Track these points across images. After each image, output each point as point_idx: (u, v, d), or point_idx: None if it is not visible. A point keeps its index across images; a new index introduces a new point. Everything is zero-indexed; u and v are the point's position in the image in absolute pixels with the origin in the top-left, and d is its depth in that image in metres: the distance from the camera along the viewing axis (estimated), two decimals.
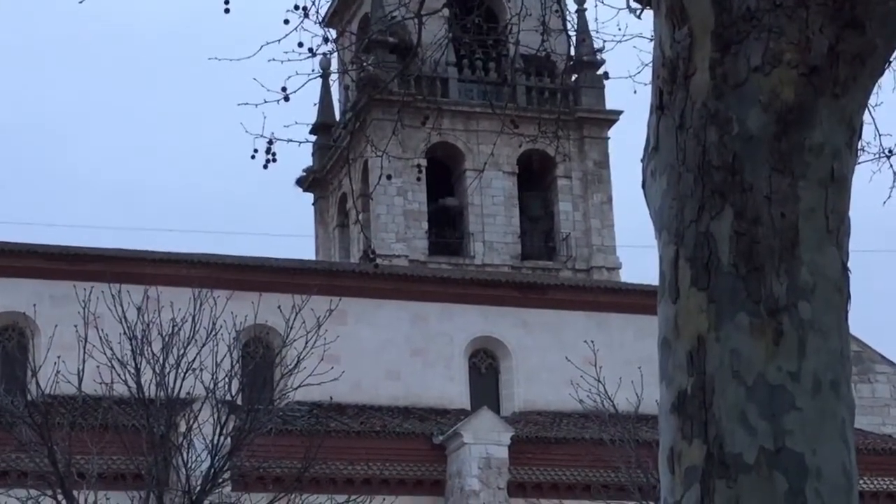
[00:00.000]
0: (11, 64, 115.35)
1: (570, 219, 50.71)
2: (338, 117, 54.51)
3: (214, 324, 27.66)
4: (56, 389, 26.38)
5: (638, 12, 8.48)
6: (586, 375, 30.36)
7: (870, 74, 4.45)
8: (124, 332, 26.98)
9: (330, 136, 53.46)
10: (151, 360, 26.89)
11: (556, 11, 10.84)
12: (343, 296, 35.66)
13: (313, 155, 54.51)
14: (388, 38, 44.95)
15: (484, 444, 36.17)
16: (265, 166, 10.19)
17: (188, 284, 29.34)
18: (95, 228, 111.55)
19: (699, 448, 4.18)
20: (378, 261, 34.64)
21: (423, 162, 43.83)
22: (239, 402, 28.12)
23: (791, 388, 4.18)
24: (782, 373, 4.19)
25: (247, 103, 10.52)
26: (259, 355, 32.93)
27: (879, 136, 10.41)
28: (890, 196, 10.90)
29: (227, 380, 27.54)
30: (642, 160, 4.65)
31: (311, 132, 52.11)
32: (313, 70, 10.01)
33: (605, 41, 10.92)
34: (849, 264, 4.42)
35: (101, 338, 26.51)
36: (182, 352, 26.95)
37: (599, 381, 29.62)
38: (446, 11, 10.25)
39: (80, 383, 25.76)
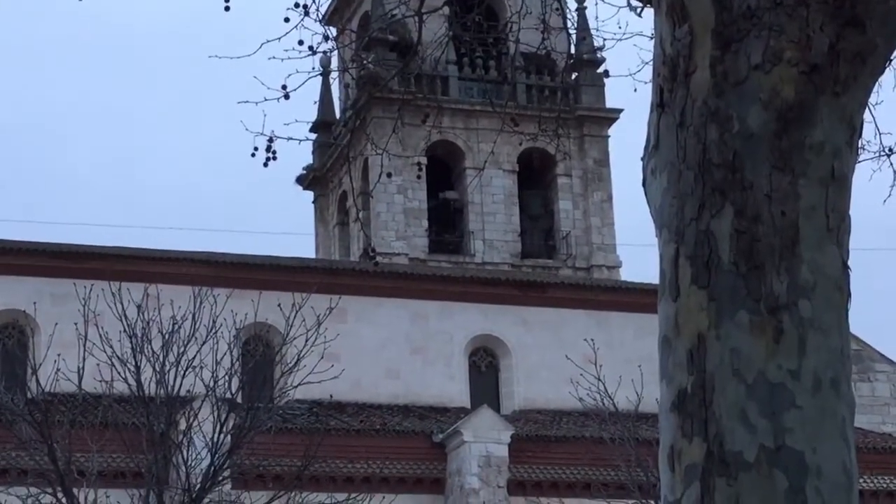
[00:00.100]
0: (11, 64, 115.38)
1: (570, 217, 50.71)
2: (338, 115, 54.50)
3: (214, 322, 27.67)
4: (56, 387, 26.39)
5: (638, 10, 8.49)
6: (586, 374, 30.37)
7: (870, 73, 4.45)
8: (124, 330, 27.00)
9: (330, 134, 53.46)
10: (151, 358, 26.90)
11: (557, 9, 10.85)
12: (343, 294, 35.68)
13: (313, 153, 54.51)
14: (388, 37, 44.94)
15: (484, 442, 36.18)
16: (265, 164, 10.20)
17: (188, 282, 29.38)
18: (95, 226, 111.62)
19: (699, 446, 4.18)
20: (378, 259, 34.64)
21: (424, 160, 43.80)
22: (239, 400, 28.15)
23: (791, 387, 4.18)
24: (782, 371, 4.19)
25: (247, 101, 10.53)
26: (259, 353, 32.97)
27: (880, 134, 10.42)
28: (890, 195, 10.91)
29: (227, 378, 27.56)
30: (643, 158, 4.65)
31: (312, 130, 52.09)
32: (313, 68, 10.01)
33: (605, 39, 10.92)
34: (849, 263, 4.42)
35: (101, 336, 26.53)
36: (182, 350, 26.97)
37: (599, 379, 29.63)
38: (446, 9, 10.24)
39: (80, 381, 25.77)
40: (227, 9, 10.05)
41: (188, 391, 27.05)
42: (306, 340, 28.04)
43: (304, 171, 55.14)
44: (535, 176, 50.63)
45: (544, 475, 36.79)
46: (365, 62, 37.03)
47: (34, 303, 35.03)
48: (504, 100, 36.15)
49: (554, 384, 39.89)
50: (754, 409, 4.15)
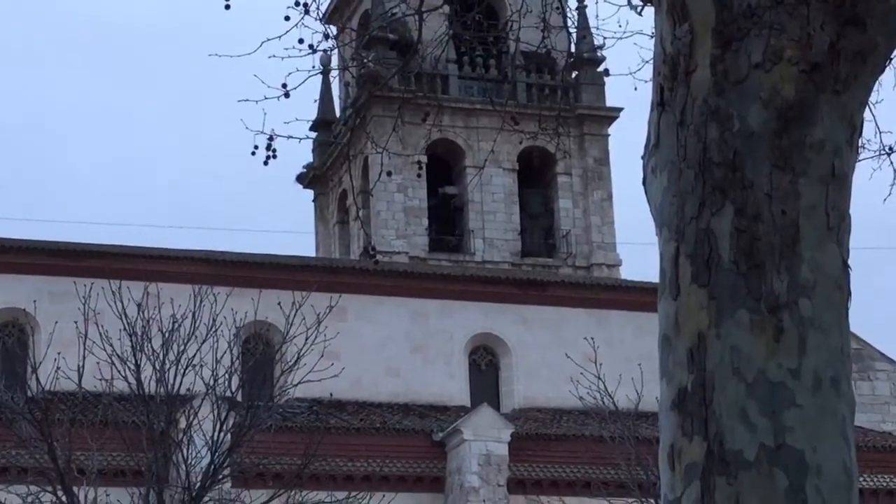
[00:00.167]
0: (11, 64, 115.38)
1: (570, 216, 50.72)
2: (338, 114, 54.50)
3: (214, 320, 27.69)
4: (56, 386, 26.39)
5: (639, 9, 8.50)
6: (586, 372, 30.38)
7: (871, 72, 4.45)
8: (124, 329, 27.01)
9: (330, 132, 53.47)
10: (151, 357, 26.91)
11: (557, 8, 10.85)
12: (343, 292, 35.69)
13: (313, 151, 54.52)
14: (388, 35, 44.95)
15: (484, 440, 36.19)
16: (265, 163, 10.21)
17: (188, 281, 29.40)
18: (95, 225, 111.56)
19: (699, 445, 4.18)
20: (378, 257, 34.65)
21: (424, 158, 43.79)
22: (239, 398, 28.15)
23: (791, 385, 4.18)
24: (783, 370, 4.19)
25: (247, 100, 10.54)
26: (259, 352, 32.99)
27: (880, 133, 10.42)
28: (890, 193, 10.91)
29: (227, 376, 27.58)
30: (643, 157, 4.65)
31: (312, 129, 52.09)
32: (314, 66, 10.01)
33: (605, 38, 10.92)
34: (849, 262, 4.42)
35: (101, 334, 26.54)
36: (182, 348, 26.98)
37: (599, 378, 29.64)
38: (447, 8, 10.24)
39: (80, 380, 25.78)
40: (227, 7, 10.06)
41: (188, 389, 27.05)
42: (306, 339, 28.05)
43: (305, 170, 55.15)
44: (535, 174, 50.63)
45: (544, 474, 36.80)
46: (365, 61, 37.00)
47: (34, 301, 35.04)
48: (504, 98, 36.16)
49: (554, 383, 39.90)
50: (754, 407, 4.15)
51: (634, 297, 42.03)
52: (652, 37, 4.77)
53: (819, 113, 4.34)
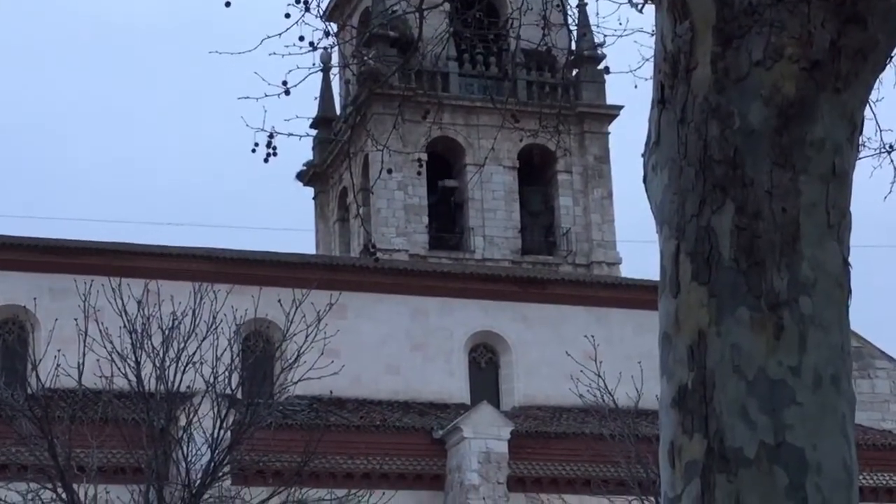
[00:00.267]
0: (11, 64, 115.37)
1: (570, 213, 50.72)
2: (338, 111, 54.52)
3: (215, 318, 27.68)
4: (56, 383, 26.40)
5: (639, 7, 8.50)
6: (586, 370, 30.39)
7: (871, 70, 4.45)
8: (124, 326, 27.01)
9: (330, 130, 53.48)
10: (151, 354, 26.91)
11: (557, 6, 10.85)
12: (343, 290, 35.70)
13: (314, 149, 54.52)
14: (388, 33, 44.94)
15: (484, 438, 36.20)
16: (266, 160, 10.20)
17: (188, 278, 29.41)
18: (95, 222, 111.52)
19: (699, 442, 4.18)
20: (378, 255, 34.63)
21: (424, 156, 43.79)
22: (239, 395, 28.15)
23: (792, 383, 4.18)
24: (783, 367, 4.19)
25: (247, 97, 10.53)
26: (259, 349, 32.99)
27: (880, 131, 10.43)
28: (891, 191, 10.91)
29: (227, 374, 27.57)
30: (643, 154, 4.65)
31: (312, 126, 52.04)
32: (314, 64, 10.01)
33: (605, 36, 10.93)
34: (849, 259, 4.42)
35: (101, 331, 26.53)
36: (182, 345, 26.98)
37: (599, 375, 29.65)
38: (447, 6, 10.25)
39: (80, 377, 25.77)
40: (227, 5, 10.06)
41: (188, 387, 27.05)
42: (306, 336, 28.05)
43: (305, 168, 55.15)
44: (535, 172, 50.64)
45: (544, 471, 36.80)
46: (365, 58, 37.02)
47: (34, 298, 35.03)
48: (504, 96, 36.21)
49: (554, 380, 39.91)
50: (755, 405, 4.15)
51: (634, 294, 42.03)
52: (652, 34, 4.77)
53: (819, 111, 4.34)
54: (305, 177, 55.38)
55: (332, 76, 51.72)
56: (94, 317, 26.68)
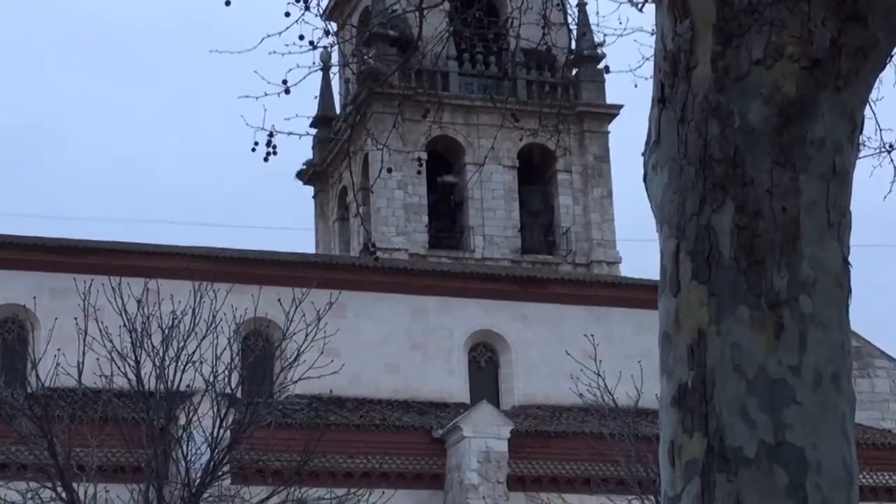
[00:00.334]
0: (11, 64, 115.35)
1: (570, 213, 50.72)
2: (338, 110, 54.52)
3: (214, 317, 27.67)
4: (56, 382, 26.39)
5: (640, 6, 8.50)
6: (586, 369, 30.38)
7: (871, 68, 4.45)
8: (124, 325, 27.00)
9: (330, 129, 53.49)
10: (151, 353, 26.90)
11: (557, 5, 10.85)
12: (343, 289, 35.71)
13: (313, 148, 54.53)
14: (388, 32, 44.94)
15: (483, 437, 36.19)
16: (266, 159, 10.20)
17: (188, 277, 29.39)
18: (95, 221, 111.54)
19: (699, 441, 4.18)
20: (378, 254, 34.60)
21: (424, 155, 43.78)
22: (239, 395, 28.14)
23: (792, 382, 4.18)
24: (783, 366, 4.19)
25: (247, 96, 10.54)
26: (259, 348, 32.98)
27: (880, 130, 10.43)
28: (891, 191, 10.91)
29: (226, 373, 27.56)
30: (643, 153, 4.65)
31: (312, 125, 52.05)
32: (314, 63, 10.01)
33: (605, 35, 10.94)
34: (849, 259, 4.42)
35: (100, 330, 26.52)
36: (182, 345, 26.97)
37: (599, 375, 29.64)
38: (447, 5, 10.25)
39: (79, 376, 25.76)
40: (227, 4, 10.06)
41: (188, 386, 27.05)
42: (306, 335, 28.04)
43: (305, 167, 55.15)
44: (535, 172, 50.64)
45: (544, 471, 36.80)
46: (365, 57, 36.99)
47: (34, 297, 35.02)
48: (504, 95, 36.18)
49: (553, 380, 39.91)
50: (755, 404, 4.15)
51: (634, 294, 42.03)
52: (652, 34, 4.77)
53: (820, 109, 4.34)
54: (305, 176, 55.38)
55: (331, 75, 51.77)
56: (94, 316, 26.67)
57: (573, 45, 14.18)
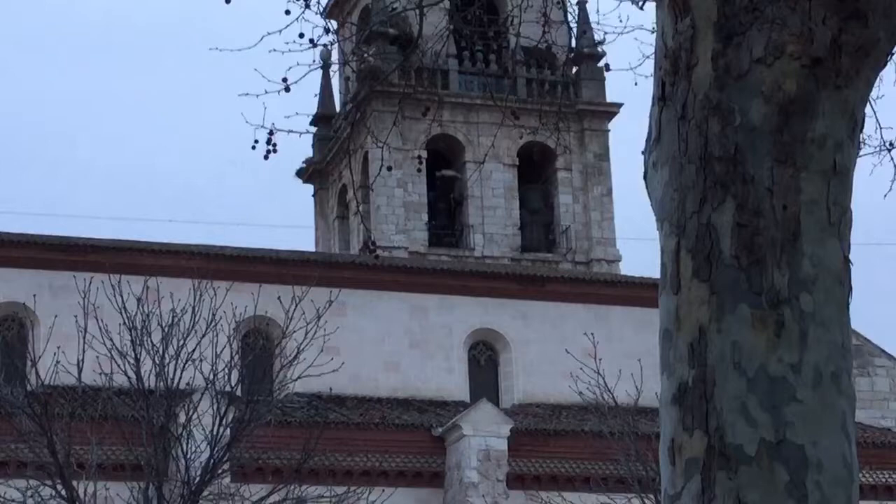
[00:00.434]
0: (12, 56, 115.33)
1: (570, 211, 50.72)
2: (338, 108, 54.53)
3: (214, 315, 27.66)
4: (56, 380, 26.38)
5: (640, 3, 8.49)
6: (586, 368, 30.36)
7: (872, 66, 4.45)
8: (124, 323, 26.98)
9: (330, 127, 53.50)
10: (151, 351, 26.89)
11: (558, 3, 10.85)
12: (343, 287, 35.71)
13: (313, 146, 54.53)
14: (388, 30, 44.93)
15: (483, 436, 36.20)
16: (266, 157, 10.20)
17: (188, 275, 29.37)
18: (95, 219, 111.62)
19: (700, 439, 4.18)
20: (378, 252, 34.62)
21: (424, 153, 43.81)
22: (238, 393, 28.13)
23: (792, 380, 4.18)
24: (783, 364, 4.19)
25: (247, 94, 10.53)
26: (259, 346, 32.97)
27: (880, 129, 10.42)
28: (891, 189, 10.91)
29: (226, 371, 27.56)
30: (643, 151, 4.65)
31: (312, 123, 52.08)
32: (314, 61, 10.00)
33: (606, 33, 10.93)
34: (850, 257, 4.42)
35: (100, 328, 26.51)
36: (182, 342, 26.96)
37: (599, 373, 29.63)
38: (447, 3, 10.25)
39: (79, 374, 25.76)
40: (227, 1, 10.05)
41: (188, 384, 27.04)
42: (306, 333, 28.03)
43: (304, 165, 55.15)
44: (535, 170, 50.63)
45: (544, 469, 36.81)
46: (365, 55, 37.01)
47: (34, 295, 35.01)
48: (504, 93, 36.20)
49: (553, 378, 39.91)
50: (755, 402, 4.15)
51: (634, 292, 42.04)
52: (653, 32, 4.77)
53: (820, 108, 4.34)
54: (305, 174, 55.38)
55: (331, 73, 51.80)
56: (94, 314, 26.67)
57: (573, 44, 14.23)
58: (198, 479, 26.31)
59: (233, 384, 27.89)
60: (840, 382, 4.24)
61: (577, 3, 43.37)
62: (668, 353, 4.34)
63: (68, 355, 26.36)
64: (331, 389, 34.80)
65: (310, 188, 56.01)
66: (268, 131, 10.16)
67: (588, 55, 49.13)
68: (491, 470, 35.93)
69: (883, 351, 46.09)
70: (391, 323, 40.79)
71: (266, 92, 10.12)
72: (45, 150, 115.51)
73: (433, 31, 12.07)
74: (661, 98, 4.52)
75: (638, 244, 79.82)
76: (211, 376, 27.12)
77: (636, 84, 10.85)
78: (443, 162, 49.60)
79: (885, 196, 10.97)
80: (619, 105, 51.84)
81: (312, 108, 51.07)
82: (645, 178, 4.64)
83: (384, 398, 39.81)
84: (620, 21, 10.25)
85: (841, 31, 4.35)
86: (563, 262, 49.79)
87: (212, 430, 26.58)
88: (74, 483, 25.60)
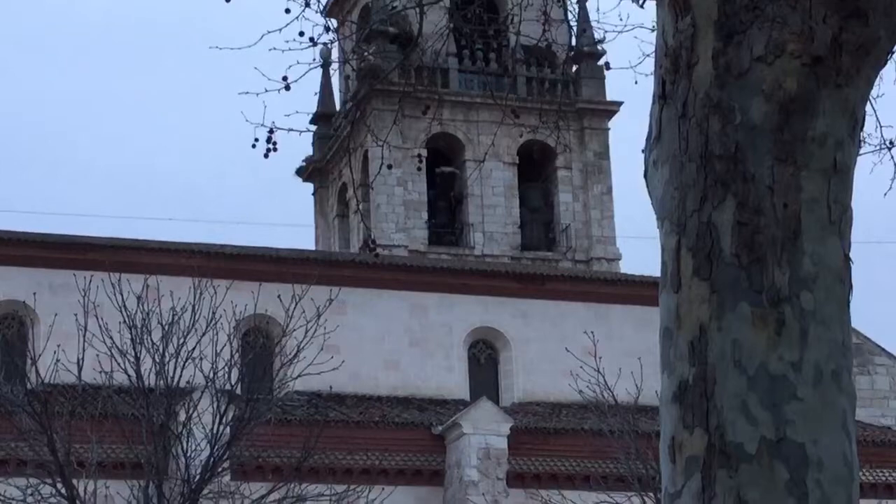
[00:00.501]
0: (12, 56, 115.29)
1: (570, 209, 50.72)
2: (338, 107, 54.52)
3: (214, 313, 27.64)
4: (56, 378, 26.36)
5: (641, 2, 8.49)
6: (586, 366, 30.36)
7: (873, 65, 4.45)
8: (124, 321, 26.98)
9: (330, 125, 53.50)
10: (151, 349, 26.88)
11: (558, 1, 10.85)
12: (343, 286, 35.69)
13: (313, 145, 54.52)
14: (388, 28, 44.93)
15: (483, 434, 36.20)
16: (266, 155, 10.19)
17: (188, 273, 29.35)
18: (95, 217, 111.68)
19: (700, 438, 4.18)
20: (378, 251, 34.62)
21: (424, 152, 43.81)
22: (238, 391, 28.13)
23: (792, 378, 4.18)
24: (784, 363, 4.19)
25: (248, 92, 10.53)
26: (259, 345, 32.97)
27: (881, 127, 10.42)
28: (891, 188, 10.92)
29: (226, 369, 27.55)
30: (644, 150, 4.65)
31: (312, 122, 52.12)
32: (314, 59, 10.00)
33: (606, 32, 10.93)
34: (850, 255, 4.42)
35: (100, 327, 26.51)
36: (182, 341, 26.95)
37: (599, 371, 29.62)
38: (447, 1, 10.26)
39: (79, 372, 25.75)
40: (227, 0, 10.05)
41: (188, 382, 27.03)
42: (306, 332, 28.02)
43: (304, 163, 55.15)
44: (535, 168, 50.63)
45: (543, 467, 36.80)
46: (365, 54, 37.00)
47: (34, 293, 35.00)
48: (504, 92, 36.17)
49: (553, 376, 39.90)
50: (755, 400, 4.16)
51: (634, 290, 42.03)
52: (653, 30, 4.78)
53: (821, 106, 4.34)
54: (305, 172, 55.38)
55: (331, 72, 51.83)
56: (94, 312, 26.67)
57: (573, 42, 14.24)
58: (198, 477, 26.31)
59: (233, 382, 27.89)
60: (840, 380, 4.24)
61: (578, 2, 43.26)
62: (669, 351, 4.34)
63: (68, 353, 26.35)
64: (331, 388, 34.79)
65: (310, 187, 56.02)
66: (268, 130, 10.16)
67: (588, 53, 49.12)
68: (491, 468, 35.93)
69: (883, 349, 46.09)
70: (391, 321, 40.78)
71: (266, 90, 10.12)
72: (45, 150, 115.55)
73: (433, 30, 12.08)
74: (662, 96, 4.52)
75: (638, 242, 79.92)
76: (211, 374, 27.11)
77: (636, 82, 10.86)
78: (443, 160, 49.62)
79: (886, 194, 10.97)
80: (620, 103, 51.84)
81: (312, 106, 51.13)
82: (645, 176, 4.64)
83: (384, 396, 39.80)
84: (620, 19, 10.27)
85: (841, 30, 4.35)
86: (563, 260, 49.79)
87: (212, 429, 26.57)
88: (74, 481, 25.60)
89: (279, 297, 28.96)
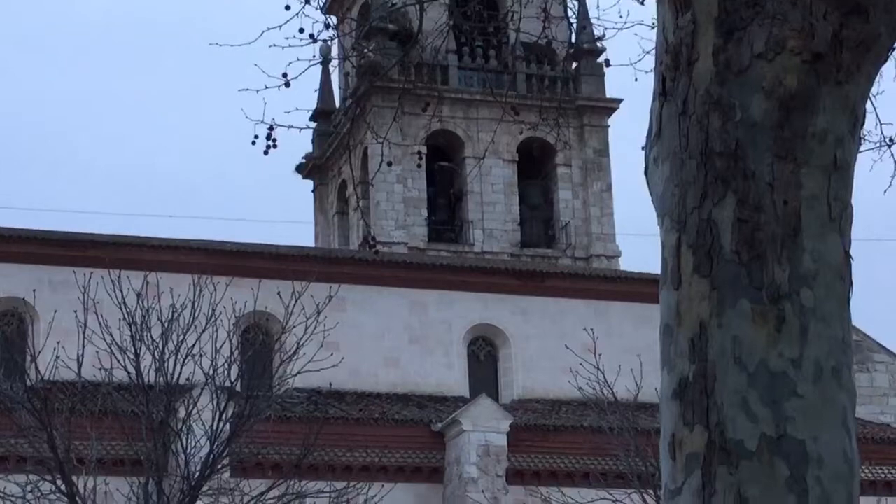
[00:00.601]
0: (12, 56, 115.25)
1: (569, 207, 50.71)
2: (338, 104, 54.50)
3: (214, 310, 27.65)
4: (55, 375, 26.36)
5: None
6: (585, 363, 30.35)
7: (873, 62, 4.45)
8: (124, 318, 26.98)
9: (330, 122, 53.48)
10: (151, 346, 26.88)
11: None
12: (342, 283, 35.70)
13: (313, 142, 54.50)
14: (388, 25, 44.92)
15: (483, 431, 36.20)
16: (265, 152, 10.20)
17: (188, 270, 29.37)
18: (95, 214, 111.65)
19: (700, 435, 4.18)
20: (377, 248, 34.53)
21: (423, 149, 43.78)
22: (238, 388, 28.14)
23: (793, 375, 4.18)
24: (784, 359, 4.19)
25: (247, 89, 10.53)
26: (258, 342, 32.98)
27: (881, 125, 10.43)
28: (891, 185, 10.92)
29: (226, 366, 27.56)
30: (644, 147, 4.65)
31: (311, 119, 52.09)
32: (314, 56, 10.00)
33: (606, 29, 10.93)
34: (851, 252, 4.42)
35: (100, 324, 26.51)
36: (181, 338, 26.95)
37: (598, 368, 29.61)
38: None
39: (79, 369, 25.74)
40: None
41: (187, 379, 27.03)
42: (305, 329, 28.02)
43: (304, 160, 55.14)
44: (534, 165, 50.62)
45: (543, 464, 36.80)
46: (365, 51, 36.94)
47: (33, 290, 35.02)
48: (504, 89, 36.17)
49: (553, 374, 39.91)
50: (755, 397, 4.16)
51: (634, 288, 42.03)
52: (653, 27, 4.78)
53: (821, 103, 4.34)
54: (305, 169, 55.36)
55: (331, 69, 51.78)
56: (94, 309, 26.67)
57: (573, 39, 14.24)
58: (197, 474, 26.31)
59: (232, 379, 27.90)
60: (840, 377, 4.24)
61: None
62: (669, 348, 4.34)
63: (68, 350, 26.35)
64: (330, 385, 34.80)
65: (309, 184, 56.01)
66: (268, 127, 10.17)
67: (588, 51, 49.07)
68: (490, 465, 35.94)
69: (882, 347, 46.08)
70: (391, 318, 40.79)
71: (266, 87, 10.12)
72: (45, 150, 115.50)
73: (433, 27, 12.08)
74: (662, 93, 4.52)
75: (638, 240, 79.85)
76: (211, 371, 27.11)
77: (636, 80, 10.86)
78: (443, 157, 49.60)
79: (886, 192, 10.98)
80: (619, 101, 51.82)
81: (312, 103, 51.07)
82: (645, 173, 4.64)
83: (384, 393, 39.81)
84: (620, 16, 10.27)
85: (842, 27, 4.35)
86: (563, 257, 49.78)
87: (211, 426, 26.57)
88: (74, 478, 25.59)
89: (279, 293, 28.96)
